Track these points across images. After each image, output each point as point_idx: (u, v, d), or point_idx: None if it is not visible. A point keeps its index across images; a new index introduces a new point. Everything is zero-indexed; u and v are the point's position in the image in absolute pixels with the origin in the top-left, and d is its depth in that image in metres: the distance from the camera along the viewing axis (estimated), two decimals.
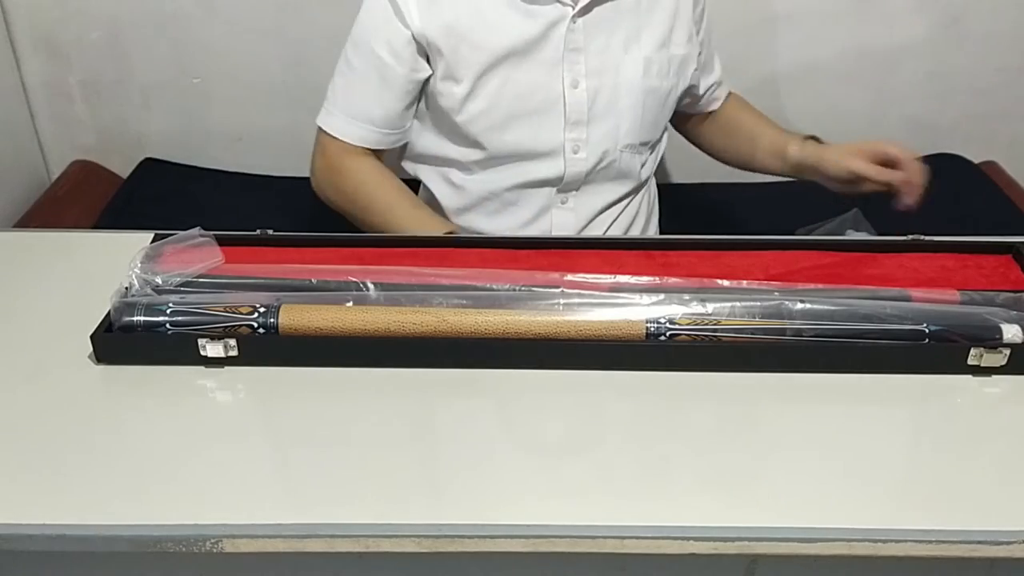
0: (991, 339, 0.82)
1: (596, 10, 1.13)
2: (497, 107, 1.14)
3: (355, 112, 1.17)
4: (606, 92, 1.16)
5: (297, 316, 0.83)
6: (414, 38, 1.12)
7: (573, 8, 1.11)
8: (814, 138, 1.26)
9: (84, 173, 1.77)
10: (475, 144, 1.17)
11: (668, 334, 0.82)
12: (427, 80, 1.17)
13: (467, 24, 1.11)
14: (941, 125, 1.78)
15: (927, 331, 0.82)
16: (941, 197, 1.67)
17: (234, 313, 0.82)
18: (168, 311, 0.83)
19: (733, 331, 0.82)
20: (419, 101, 1.20)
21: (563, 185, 1.20)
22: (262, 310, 0.82)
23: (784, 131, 1.31)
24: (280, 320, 0.82)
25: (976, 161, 1.74)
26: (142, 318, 0.82)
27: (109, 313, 0.83)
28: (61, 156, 1.80)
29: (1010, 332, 0.82)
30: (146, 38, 1.68)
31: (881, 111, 1.76)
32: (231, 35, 1.67)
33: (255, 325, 0.82)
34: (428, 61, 1.15)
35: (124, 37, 1.68)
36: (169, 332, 0.82)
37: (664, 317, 0.83)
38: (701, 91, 1.31)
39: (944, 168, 1.75)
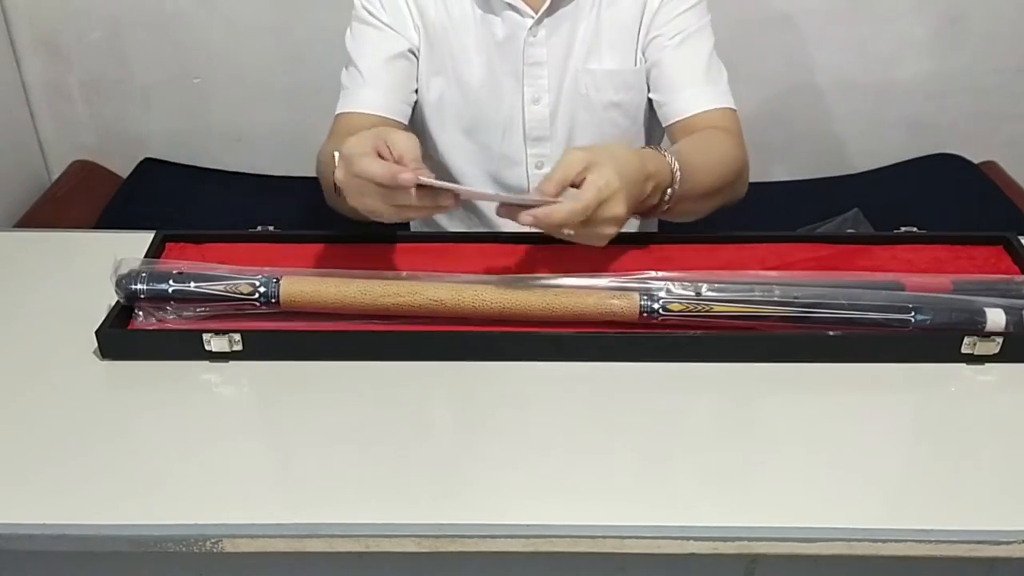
0: (976, 324, 0.82)
1: (553, 18, 1.07)
2: (453, 120, 1.13)
3: (354, 83, 1.08)
4: (565, 106, 1.12)
5: (298, 288, 0.83)
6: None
7: (533, 18, 1.06)
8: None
9: (84, 173, 1.77)
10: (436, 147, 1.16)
11: (662, 311, 0.82)
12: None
13: (439, 28, 1.08)
14: (941, 125, 1.78)
15: (913, 320, 0.82)
16: (941, 197, 1.68)
17: (235, 293, 0.83)
18: (171, 283, 0.83)
19: (726, 316, 0.82)
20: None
21: None
22: (262, 289, 0.83)
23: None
24: (281, 291, 0.83)
25: (976, 161, 1.74)
26: (145, 286, 0.82)
27: (117, 288, 0.83)
28: (61, 156, 1.80)
29: (994, 316, 0.82)
30: (146, 38, 1.68)
31: (881, 111, 1.76)
32: (231, 35, 1.67)
33: (259, 303, 0.83)
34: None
35: (124, 37, 1.68)
36: (171, 304, 0.83)
37: (660, 292, 0.83)
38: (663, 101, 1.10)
39: (944, 168, 1.75)
